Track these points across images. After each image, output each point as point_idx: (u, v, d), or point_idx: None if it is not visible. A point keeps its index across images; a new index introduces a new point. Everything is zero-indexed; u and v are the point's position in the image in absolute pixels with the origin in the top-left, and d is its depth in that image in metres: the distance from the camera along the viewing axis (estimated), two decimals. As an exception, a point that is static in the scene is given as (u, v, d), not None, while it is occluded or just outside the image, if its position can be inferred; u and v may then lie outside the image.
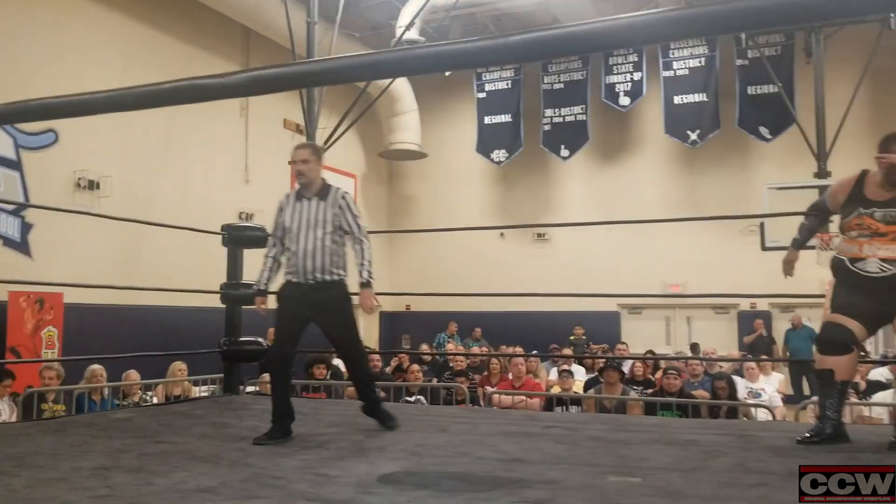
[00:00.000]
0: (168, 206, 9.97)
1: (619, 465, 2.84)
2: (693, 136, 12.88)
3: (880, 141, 3.21)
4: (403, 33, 11.18)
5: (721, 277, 11.84)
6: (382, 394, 6.94)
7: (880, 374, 6.94)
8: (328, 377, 7.35)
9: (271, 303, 3.78)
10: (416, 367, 7.96)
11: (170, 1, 10.58)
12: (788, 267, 3.60)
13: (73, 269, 8.23)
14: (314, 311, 3.55)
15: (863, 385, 6.61)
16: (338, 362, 10.14)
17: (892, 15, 10.43)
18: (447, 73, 14.48)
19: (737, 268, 12.23)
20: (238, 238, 4.96)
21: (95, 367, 6.31)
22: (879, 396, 5.60)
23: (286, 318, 3.56)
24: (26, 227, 8.52)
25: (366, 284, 3.56)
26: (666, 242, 13.08)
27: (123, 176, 9.66)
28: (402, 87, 14.21)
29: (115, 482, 2.53)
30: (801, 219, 3.72)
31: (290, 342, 3.56)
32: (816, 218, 3.63)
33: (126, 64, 9.76)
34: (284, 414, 3.47)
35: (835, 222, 3.58)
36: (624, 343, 10.57)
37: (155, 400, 6.59)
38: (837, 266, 3.31)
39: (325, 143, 10.09)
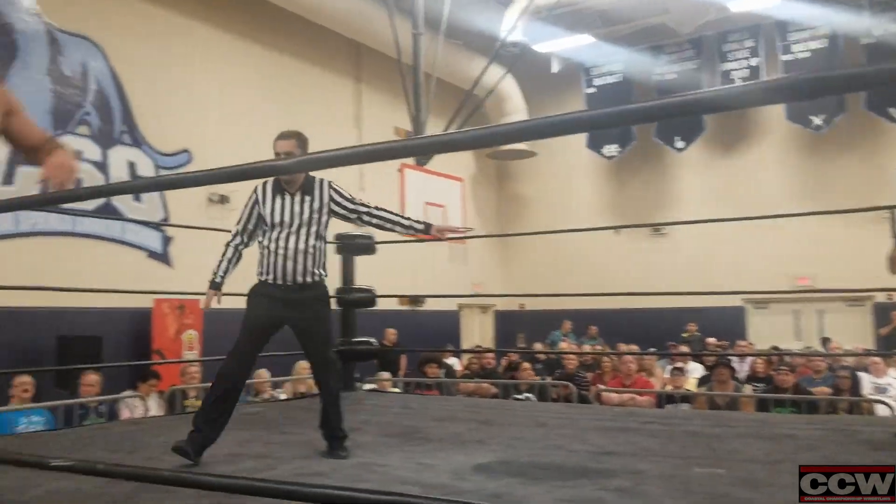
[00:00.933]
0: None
1: (708, 458, 2.91)
2: (817, 121, 12.31)
3: None
4: (507, 35, 11.33)
5: (853, 268, 11.24)
6: (493, 390, 7.18)
7: None
8: (442, 376, 7.65)
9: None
10: (527, 364, 8.12)
11: (283, 22, 11.23)
12: (893, 264, 3.50)
13: (209, 276, 8.94)
14: (290, 311, 3.22)
15: None
16: (452, 361, 10.51)
17: None
18: (554, 70, 14.55)
19: (870, 258, 11.56)
20: (350, 246, 5.31)
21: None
22: None
23: (256, 325, 3.23)
24: (167, 240, 9.32)
25: (426, 225, 3.38)
26: (792, 234, 12.55)
27: (250, 190, 10.36)
28: (509, 86, 14.35)
29: (242, 467, 2.87)
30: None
31: (252, 356, 3.24)
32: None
33: (259, 88, 10.54)
34: (209, 438, 3.02)
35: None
36: (745, 340, 10.27)
37: (283, 396, 7.09)
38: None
39: (435, 148, 10.40)
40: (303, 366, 7.57)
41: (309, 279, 3.22)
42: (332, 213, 3.29)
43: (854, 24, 11.46)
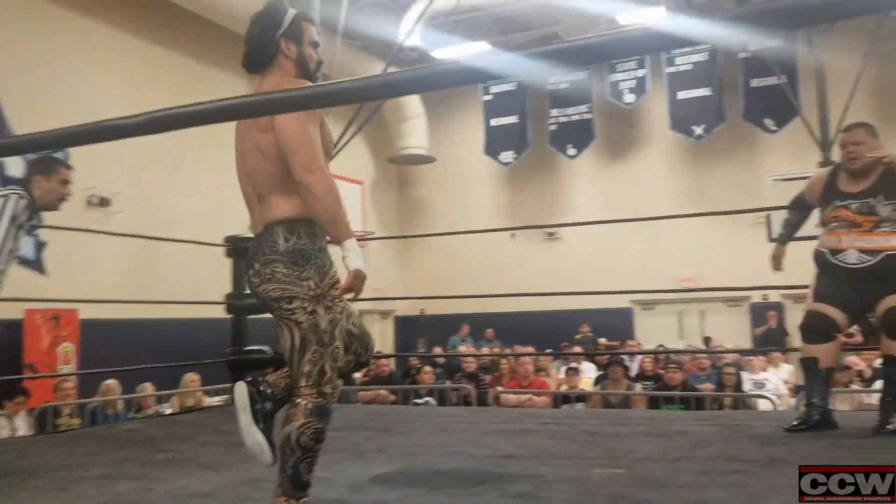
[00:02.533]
0: (181, 219, 10.13)
1: (606, 458, 2.92)
2: (698, 131, 12.88)
3: (847, 131, 3.28)
4: (405, 40, 11.29)
5: (732, 270, 11.80)
6: (392, 397, 7.07)
7: (888, 361, 6.93)
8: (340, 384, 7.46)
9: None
10: (428, 368, 8.06)
11: (176, 19, 10.75)
12: (776, 262, 3.67)
13: (87, 284, 8.41)
14: None
15: (868, 372, 6.61)
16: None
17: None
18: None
19: (747, 260, 12.19)
20: (242, 249, 5.07)
21: (110, 381, 6.46)
22: (881, 384, 5.58)
23: None
24: (40, 246, 8.70)
25: None
26: (676, 237, 13.06)
27: (134, 191, 9.83)
28: (407, 92, 14.31)
29: (116, 490, 2.64)
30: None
31: None
32: (798, 212, 3.69)
33: (134, 83, 9.95)
34: None
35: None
36: (634, 339, 10.59)
37: (169, 411, 6.73)
38: (819, 259, 3.36)
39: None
40: (190, 378, 7.22)
41: None
42: None
43: (732, 39, 12.04)
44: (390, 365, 8.55)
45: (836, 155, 10.76)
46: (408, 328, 15.58)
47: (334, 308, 2.06)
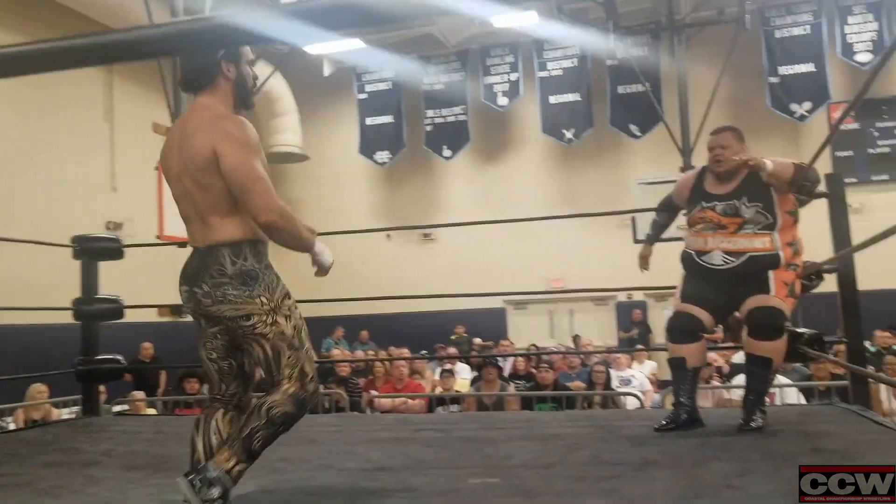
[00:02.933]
0: (27, 216, 9.33)
1: (482, 466, 2.84)
2: (569, 135, 13.25)
3: (714, 134, 3.38)
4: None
5: (599, 270, 12.24)
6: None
7: (742, 357, 7.33)
8: (205, 392, 7.09)
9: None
10: (297, 374, 7.78)
11: (18, 2, 9.90)
12: (643, 262, 3.77)
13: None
14: None
15: (726, 369, 6.96)
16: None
17: (747, 15, 11.09)
18: (326, 74, 14.33)
19: (613, 261, 12.66)
20: (91, 249, 4.67)
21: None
22: (739, 380, 5.89)
23: None
24: None
25: None
26: (547, 238, 13.39)
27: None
28: (280, 87, 13.91)
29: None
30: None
31: None
32: (666, 214, 3.78)
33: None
34: None
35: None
36: (507, 339, 10.73)
37: (13, 426, 6.14)
38: (686, 260, 3.45)
39: (197, 147, 9.69)
40: (37, 389, 6.63)
41: None
42: None
43: (601, 46, 12.48)
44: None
45: (697, 160, 11.37)
46: (280, 331, 15.13)
47: (293, 315, 2.16)
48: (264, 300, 2.10)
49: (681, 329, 3.34)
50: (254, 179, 2.02)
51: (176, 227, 8.59)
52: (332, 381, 7.84)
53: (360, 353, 11.11)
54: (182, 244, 9.35)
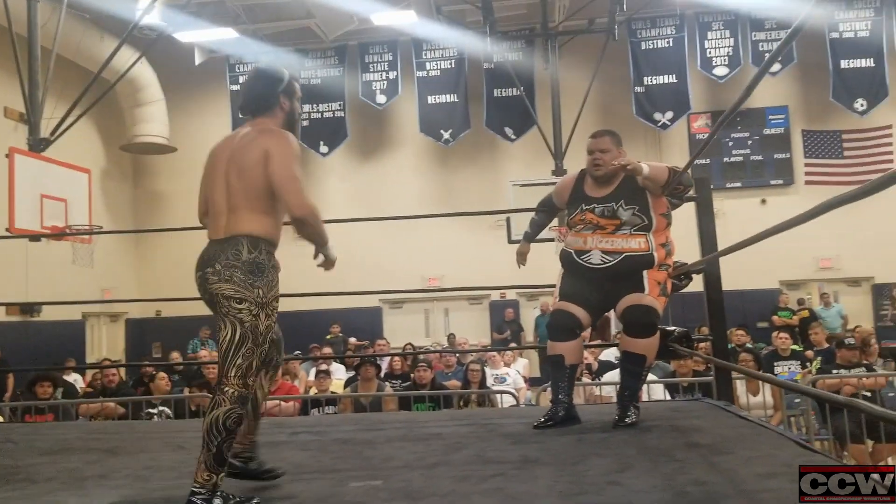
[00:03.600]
0: None
1: (363, 469, 2.77)
2: (446, 136, 13.35)
3: (594, 138, 3.47)
4: (142, 17, 10.30)
5: (474, 270, 12.39)
6: (121, 410, 6.38)
7: (611, 353, 7.60)
8: (59, 397, 6.58)
9: None
10: (163, 375, 7.38)
11: None
12: (521, 258, 3.83)
13: None
14: None
15: (595, 366, 7.21)
16: (75, 378, 9.20)
17: (615, 27, 11.56)
18: (197, 62, 13.71)
19: (488, 260, 12.87)
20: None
21: None
22: (608, 376, 6.11)
23: None
24: None
25: None
26: (423, 238, 13.42)
27: None
28: (147, 74, 13.20)
29: None
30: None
31: None
32: (545, 214, 3.86)
33: None
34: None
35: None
36: (383, 338, 10.67)
37: None
38: (565, 258, 3.52)
39: (52, 133, 9.01)
40: None
41: None
42: None
43: (478, 49, 12.65)
44: (119, 374, 7.73)
45: (568, 163, 11.74)
46: (141, 332, 14.39)
47: (272, 316, 2.41)
48: (261, 293, 2.34)
49: (560, 327, 3.41)
50: (293, 179, 2.37)
51: (29, 220, 7.95)
52: (197, 384, 7.46)
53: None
54: (36, 237, 8.69)
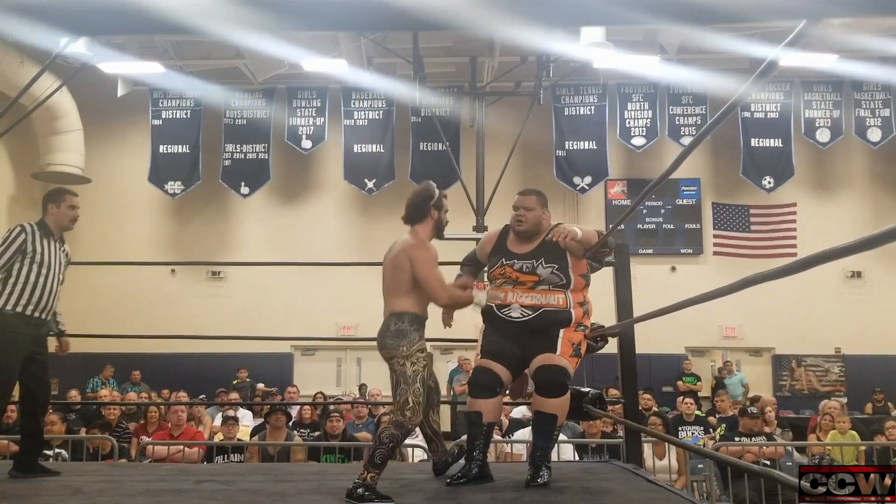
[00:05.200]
0: None
1: (273, 521, 2.71)
2: (370, 185, 13.41)
3: (521, 195, 3.58)
4: (64, 47, 10.01)
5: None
6: (15, 447, 5.99)
7: (520, 412, 7.65)
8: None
9: None
10: (55, 417, 6.98)
11: None
12: (447, 318, 3.83)
13: None
14: (35, 348, 3.87)
15: (506, 423, 7.23)
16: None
17: (541, 91, 11.97)
18: (119, 94, 13.40)
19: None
20: None
21: None
22: (519, 434, 6.16)
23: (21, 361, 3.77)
24: None
25: None
26: (340, 285, 13.31)
27: None
28: (66, 103, 12.82)
29: None
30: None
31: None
32: (469, 268, 3.92)
33: None
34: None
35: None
36: (293, 385, 10.44)
37: None
38: (486, 312, 3.58)
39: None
40: None
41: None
42: None
43: (406, 102, 12.85)
44: (15, 413, 7.28)
45: (490, 220, 11.90)
46: (37, 367, 13.60)
47: (418, 362, 3.26)
48: (404, 349, 3.25)
49: (481, 384, 3.44)
50: (432, 279, 3.31)
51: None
52: (95, 426, 7.10)
53: (132, 395, 10.26)
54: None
